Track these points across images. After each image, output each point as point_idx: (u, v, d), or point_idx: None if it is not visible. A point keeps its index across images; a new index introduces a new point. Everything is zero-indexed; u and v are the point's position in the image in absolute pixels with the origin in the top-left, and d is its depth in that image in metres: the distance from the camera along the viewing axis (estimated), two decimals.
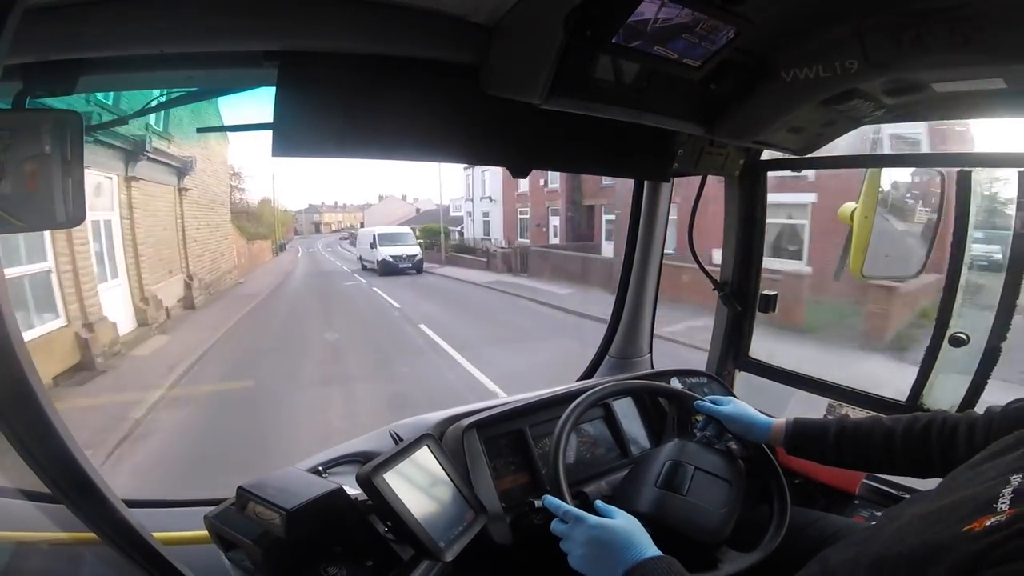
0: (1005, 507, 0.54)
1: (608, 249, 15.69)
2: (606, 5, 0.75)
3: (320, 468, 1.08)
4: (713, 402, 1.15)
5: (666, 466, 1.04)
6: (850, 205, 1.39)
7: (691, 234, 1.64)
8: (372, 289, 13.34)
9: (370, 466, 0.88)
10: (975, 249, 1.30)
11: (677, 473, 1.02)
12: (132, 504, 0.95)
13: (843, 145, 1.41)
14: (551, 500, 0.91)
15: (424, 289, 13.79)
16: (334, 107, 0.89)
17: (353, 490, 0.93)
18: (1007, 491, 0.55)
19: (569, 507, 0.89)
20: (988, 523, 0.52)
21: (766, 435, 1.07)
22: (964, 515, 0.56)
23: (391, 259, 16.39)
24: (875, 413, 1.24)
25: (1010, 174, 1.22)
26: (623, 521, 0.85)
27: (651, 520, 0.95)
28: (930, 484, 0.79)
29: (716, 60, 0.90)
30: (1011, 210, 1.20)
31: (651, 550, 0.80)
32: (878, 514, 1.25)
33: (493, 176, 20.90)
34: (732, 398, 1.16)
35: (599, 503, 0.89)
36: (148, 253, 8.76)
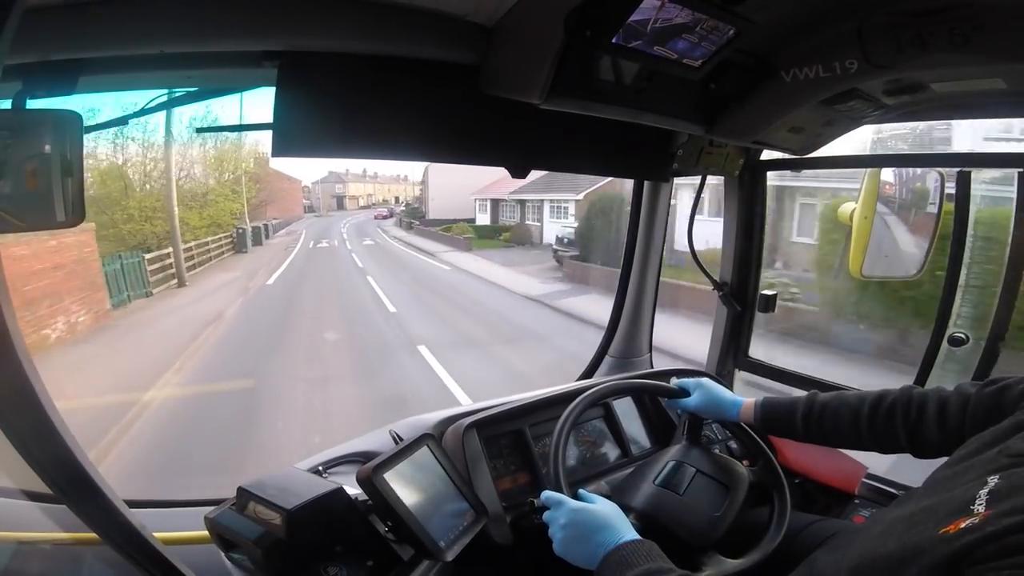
0: (981, 509, 0.53)
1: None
2: (606, 5, 0.75)
3: (320, 468, 1.08)
4: (683, 387, 1.13)
5: (668, 466, 1.04)
6: (850, 205, 1.39)
7: (691, 234, 1.64)
8: None
9: (370, 466, 0.88)
10: None
11: (677, 473, 1.02)
12: (133, 504, 0.95)
13: (843, 145, 1.41)
14: (548, 493, 0.92)
15: None
16: (334, 107, 0.89)
17: (353, 490, 0.93)
18: (983, 492, 0.55)
19: (552, 492, 0.91)
20: (963, 525, 0.52)
21: (736, 414, 1.07)
22: (941, 517, 0.56)
23: None
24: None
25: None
26: (603, 506, 0.87)
27: (643, 516, 0.96)
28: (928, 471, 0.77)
29: (716, 60, 0.90)
30: None
31: (630, 534, 0.81)
32: None
33: None
34: (700, 380, 1.13)
35: (582, 491, 0.92)
36: None
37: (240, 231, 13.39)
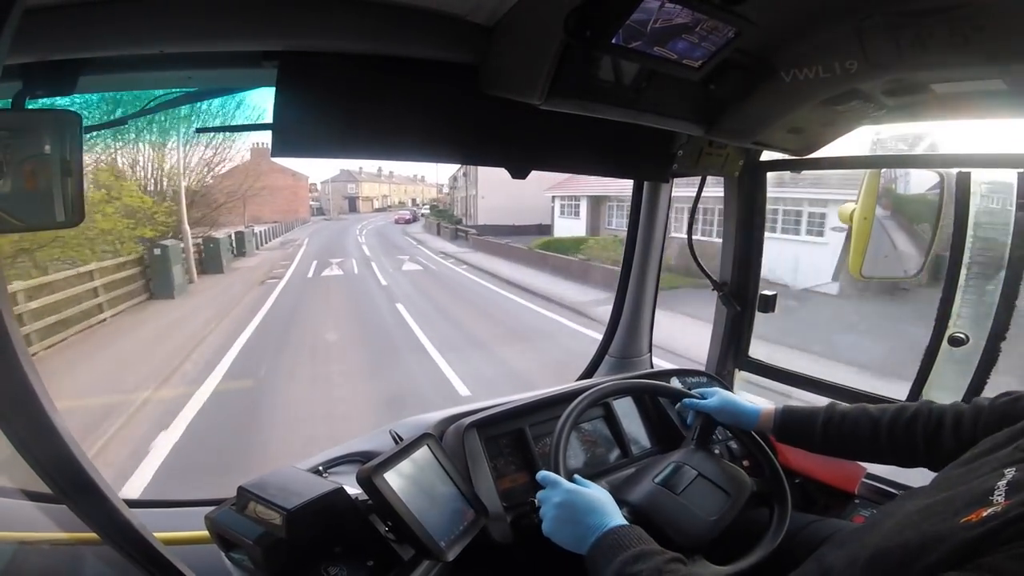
0: (1001, 499, 0.55)
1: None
2: (606, 5, 0.75)
3: (320, 468, 1.08)
4: (700, 395, 1.14)
5: (670, 466, 1.04)
6: (850, 205, 1.39)
7: (690, 234, 1.64)
8: None
9: (370, 466, 0.88)
10: None
11: (677, 474, 1.02)
12: (133, 504, 0.95)
13: (843, 145, 1.41)
14: (544, 473, 0.93)
15: None
16: (334, 107, 0.89)
17: (353, 490, 0.93)
18: (1002, 484, 0.57)
19: (548, 472, 0.92)
20: (985, 514, 0.53)
21: (755, 422, 1.07)
22: (960, 507, 0.57)
23: None
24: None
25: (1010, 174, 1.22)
26: (595, 491, 0.88)
27: (637, 512, 0.96)
28: (927, 479, 0.79)
29: (716, 61, 0.90)
30: None
31: (619, 519, 0.82)
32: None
33: None
34: (718, 389, 1.14)
35: (577, 476, 0.93)
36: None
37: (157, 252, 6.66)
